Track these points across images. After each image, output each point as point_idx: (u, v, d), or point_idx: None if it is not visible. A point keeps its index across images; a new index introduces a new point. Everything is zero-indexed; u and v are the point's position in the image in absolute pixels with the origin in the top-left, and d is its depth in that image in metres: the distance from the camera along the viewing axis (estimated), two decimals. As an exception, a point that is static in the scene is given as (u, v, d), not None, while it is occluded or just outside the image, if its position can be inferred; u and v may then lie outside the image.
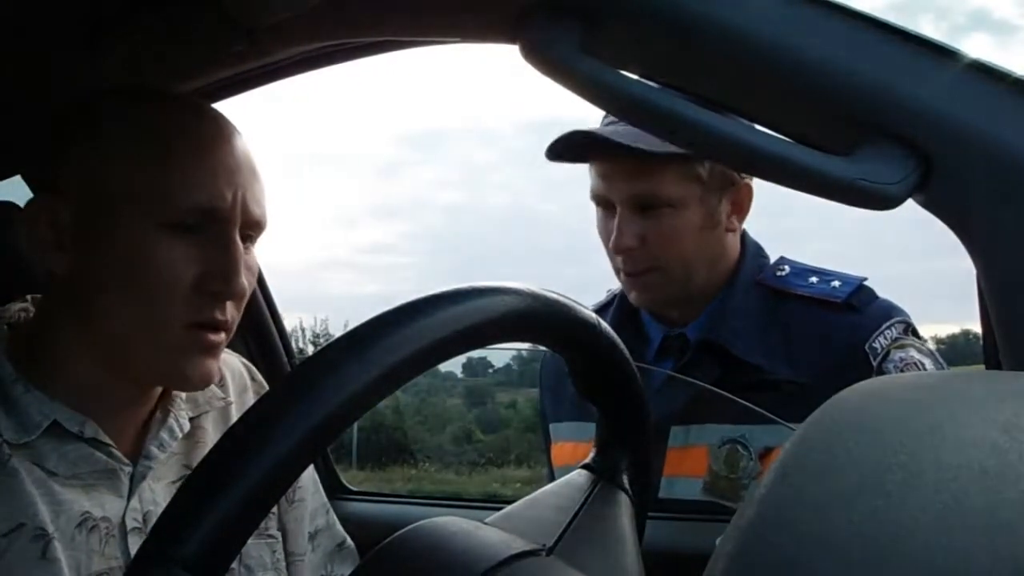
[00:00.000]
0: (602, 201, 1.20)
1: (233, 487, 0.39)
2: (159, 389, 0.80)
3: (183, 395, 0.82)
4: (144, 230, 0.71)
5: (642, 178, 1.14)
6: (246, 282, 0.74)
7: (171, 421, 0.80)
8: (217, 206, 0.72)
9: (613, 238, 1.17)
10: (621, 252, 1.18)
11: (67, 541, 0.71)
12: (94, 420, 0.74)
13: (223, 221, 0.73)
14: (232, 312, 0.75)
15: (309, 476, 0.92)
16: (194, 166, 0.72)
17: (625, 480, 0.62)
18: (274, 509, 0.85)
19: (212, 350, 0.75)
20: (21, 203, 1.08)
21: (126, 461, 0.76)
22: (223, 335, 0.76)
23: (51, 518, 0.70)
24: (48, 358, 0.75)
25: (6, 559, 0.68)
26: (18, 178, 1.11)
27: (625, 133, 1.13)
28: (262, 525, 0.84)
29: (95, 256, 0.73)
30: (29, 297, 0.82)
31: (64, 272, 0.74)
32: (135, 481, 0.76)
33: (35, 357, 0.75)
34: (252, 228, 0.77)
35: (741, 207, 1.21)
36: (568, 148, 1.18)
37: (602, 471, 0.62)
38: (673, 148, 1.08)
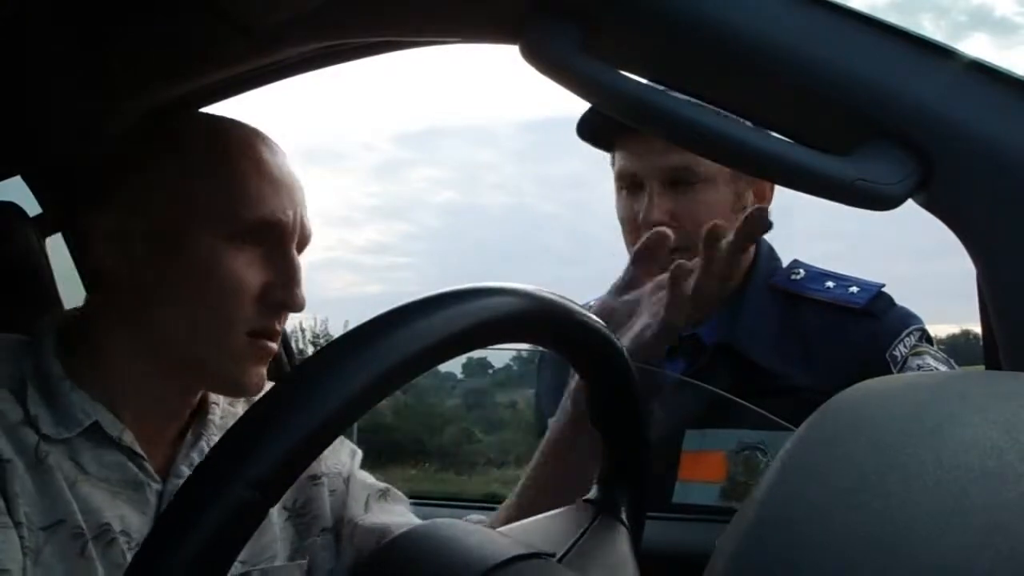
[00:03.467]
0: (630, 179, 1.17)
1: (229, 492, 0.39)
2: (191, 410, 0.81)
3: (217, 420, 0.83)
4: (214, 241, 0.75)
5: (677, 151, 1.11)
6: (305, 296, 0.78)
7: (202, 443, 0.80)
8: (280, 220, 0.77)
9: (643, 211, 1.15)
10: (651, 226, 1.13)
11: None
12: (132, 429, 0.75)
13: (285, 235, 0.77)
14: (284, 323, 0.80)
15: (356, 464, 0.91)
16: (259, 182, 0.76)
17: (624, 514, 0.62)
18: (322, 511, 0.86)
19: (266, 359, 0.78)
20: (21, 203, 1.08)
21: (156, 478, 0.77)
22: (275, 345, 0.79)
23: (82, 519, 0.71)
24: (94, 362, 0.77)
25: (44, 554, 0.69)
26: (18, 178, 1.11)
27: None
28: (304, 532, 0.85)
29: (165, 265, 0.75)
30: (79, 309, 0.83)
31: (127, 280, 0.76)
32: (164, 499, 0.76)
33: (82, 360, 0.76)
34: (302, 245, 0.81)
35: (763, 197, 1.20)
36: (600, 124, 1.16)
37: (603, 506, 0.62)
38: None
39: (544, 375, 1.37)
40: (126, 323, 0.77)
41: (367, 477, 0.92)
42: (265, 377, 0.79)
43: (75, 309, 0.83)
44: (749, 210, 1.17)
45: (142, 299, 0.76)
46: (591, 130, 1.19)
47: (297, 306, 0.78)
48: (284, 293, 0.76)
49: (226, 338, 0.75)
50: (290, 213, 0.77)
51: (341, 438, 0.89)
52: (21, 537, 0.68)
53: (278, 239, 0.77)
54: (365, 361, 0.43)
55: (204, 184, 0.75)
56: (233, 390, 0.80)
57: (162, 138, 0.79)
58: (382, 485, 0.92)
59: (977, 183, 0.51)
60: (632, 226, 1.18)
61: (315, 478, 0.86)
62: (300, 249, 0.81)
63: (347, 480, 0.89)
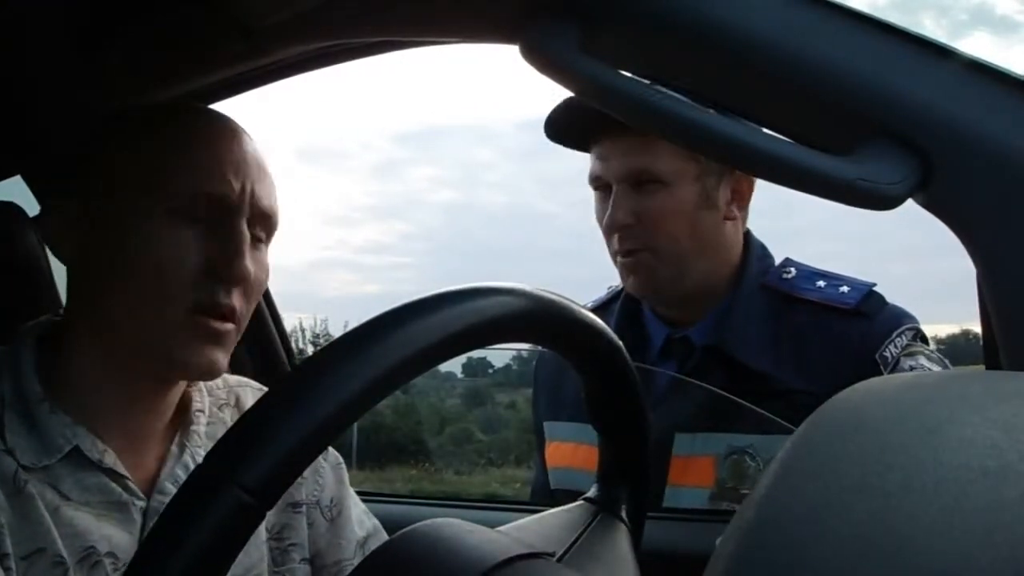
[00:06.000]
0: (600, 183, 1.19)
1: (225, 496, 0.39)
2: (172, 417, 0.80)
3: (202, 431, 0.81)
4: (150, 215, 0.73)
5: (637, 154, 1.14)
6: (251, 267, 0.75)
7: (186, 457, 0.79)
8: (225, 193, 0.74)
9: (608, 215, 1.16)
10: (616, 229, 1.17)
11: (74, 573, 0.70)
12: (114, 447, 0.74)
13: (231, 211, 0.75)
14: (239, 301, 0.75)
15: (347, 491, 0.91)
16: (200, 156, 0.74)
17: (624, 512, 0.63)
18: (300, 539, 0.86)
19: (217, 338, 0.75)
20: (20, 202, 1.08)
21: (140, 496, 0.75)
22: (230, 325, 0.75)
23: (62, 545, 0.70)
24: (73, 375, 0.75)
25: None
26: (18, 178, 1.11)
27: None
28: (281, 559, 0.85)
29: (103, 244, 0.74)
30: (62, 310, 0.82)
31: (77, 266, 0.76)
32: (148, 516, 0.75)
33: (60, 373, 0.75)
34: (263, 222, 0.78)
35: (742, 195, 1.20)
36: (567, 125, 1.17)
37: (603, 503, 0.62)
38: None
39: (540, 376, 1.37)
40: (86, 320, 0.76)
41: (359, 512, 0.91)
42: (222, 360, 0.76)
43: (54, 316, 0.81)
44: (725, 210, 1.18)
45: (93, 288, 0.75)
46: (557, 131, 1.20)
47: (237, 278, 0.74)
48: (224, 266, 0.73)
49: (164, 315, 0.73)
50: (236, 187, 0.75)
51: (319, 459, 0.88)
52: (8, 569, 0.67)
53: (223, 213, 0.75)
54: (363, 362, 0.43)
55: (137, 160, 0.74)
56: (180, 372, 0.76)
57: (114, 126, 0.79)
58: (370, 525, 0.92)
59: (977, 183, 0.51)
60: (605, 228, 1.19)
61: (295, 505, 0.86)
62: (266, 231, 0.79)
63: (333, 516, 0.88)
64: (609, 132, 1.15)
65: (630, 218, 1.15)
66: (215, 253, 0.74)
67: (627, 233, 1.17)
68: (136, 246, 0.73)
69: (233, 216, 0.75)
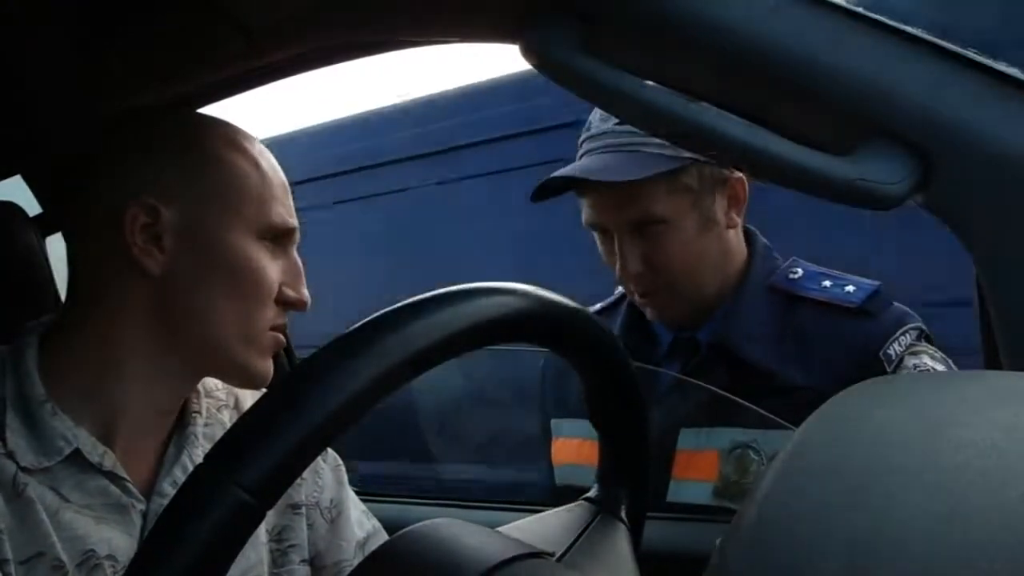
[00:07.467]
0: (598, 227, 1.20)
1: (225, 495, 0.39)
2: (174, 419, 0.81)
3: (199, 432, 0.82)
4: (247, 236, 0.78)
5: (632, 202, 1.14)
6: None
7: (184, 458, 0.79)
8: (293, 225, 0.81)
9: (619, 266, 1.17)
10: (629, 279, 1.18)
11: None
12: (114, 448, 0.74)
13: (292, 237, 0.82)
14: None
15: (347, 492, 0.91)
16: (277, 185, 0.81)
17: (623, 513, 0.63)
18: (300, 540, 0.86)
19: (274, 351, 0.82)
20: (21, 203, 1.08)
21: (140, 498, 0.75)
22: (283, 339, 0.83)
23: (61, 549, 0.70)
24: (76, 376, 0.75)
25: None
26: (18, 178, 1.11)
27: (608, 166, 1.12)
28: (280, 560, 0.85)
29: (199, 258, 0.76)
30: (65, 308, 0.81)
31: (159, 273, 0.76)
32: (148, 519, 0.75)
33: (63, 374, 0.75)
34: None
35: (737, 200, 1.20)
36: (552, 191, 1.18)
37: (603, 503, 0.63)
38: (656, 168, 1.09)
39: (547, 372, 1.37)
40: (149, 318, 0.76)
41: (359, 513, 0.92)
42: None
43: (58, 316, 0.81)
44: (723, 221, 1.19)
45: (172, 293, 0.76)
46: (541, 195, 1.20)
47: (306, 304, 0.82)
48: (294, 292, 0.81)
49: (257, 333, 0.78)
50: (289, 216, 0.81)
51: (319, 461, 0.89)
52: (7, 574, 0.67)
53: (287, 241, 0.81)
54: (363, 362, 0.43)
55: (238, 177, 0.78)
56: (256, 381, 0.81)
57: (186, 136, 0.79)
58: (370, 526, 0.92)
59: (977, 183, 0.51)
60: (618, 275, 1.20)
61: (295, 507, 0.86)
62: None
63: (333, 517, 0.89)
64: (595, 190, 1.16)
65: (641, 265, 1.16)
66: (284, 278, 0.80)
67: (641, 279, 1.17)
68: (235, 266, 0.77)
69: (292, 242, 0.82)
